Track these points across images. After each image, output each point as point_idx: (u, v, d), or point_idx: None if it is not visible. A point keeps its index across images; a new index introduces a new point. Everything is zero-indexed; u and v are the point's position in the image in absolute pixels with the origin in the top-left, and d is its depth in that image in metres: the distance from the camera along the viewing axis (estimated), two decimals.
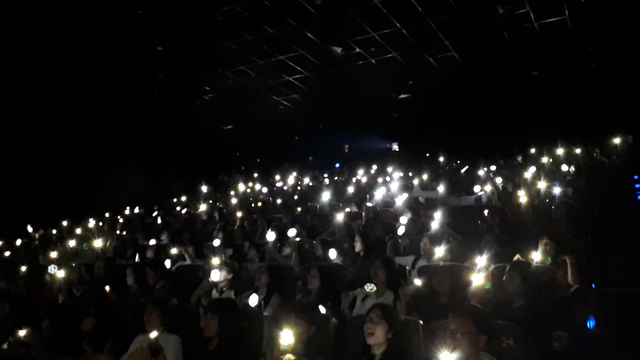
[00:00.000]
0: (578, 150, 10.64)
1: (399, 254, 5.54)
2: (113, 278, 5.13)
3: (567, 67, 11.87)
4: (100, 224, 10.35)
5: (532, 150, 11.76)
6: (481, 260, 4.11)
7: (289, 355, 2.69)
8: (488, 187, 8.13)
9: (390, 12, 9.28)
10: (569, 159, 9.97)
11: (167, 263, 5.73)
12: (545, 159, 10.11)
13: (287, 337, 2.69)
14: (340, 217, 6.94)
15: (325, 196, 9.13)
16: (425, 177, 10.96)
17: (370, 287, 3.94)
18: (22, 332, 3.57)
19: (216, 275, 4.55)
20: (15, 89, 11.02)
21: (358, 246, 5.39)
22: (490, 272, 4.10)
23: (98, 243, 7.65)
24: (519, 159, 11.70)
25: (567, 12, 9.40)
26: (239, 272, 4.95)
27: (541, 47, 10.96)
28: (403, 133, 16.14)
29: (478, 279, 3.61)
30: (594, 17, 9.60)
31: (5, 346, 3.64)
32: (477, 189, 8.76)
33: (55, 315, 3.83)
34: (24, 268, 6.18)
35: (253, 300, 4.19)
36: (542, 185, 7.21)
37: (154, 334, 2.94)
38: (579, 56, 11.48)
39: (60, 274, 5.52)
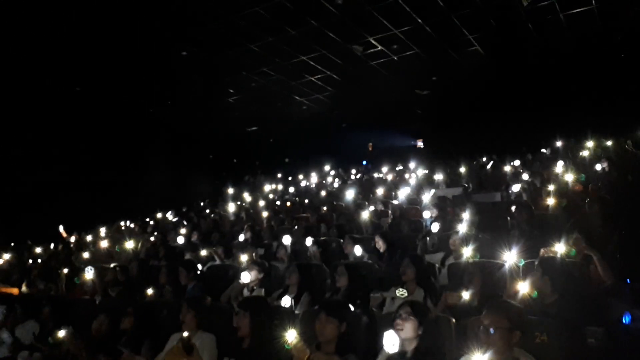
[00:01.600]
0: (609, 143, 10.37)
1: (427, 251, 5.53)
2: (147, 278, 5.26)
3: (595, 57, 11.58)
4: (132, 226, 10.61)
5: (560, 144, 11.52)
6: (509, 255, 4.05)
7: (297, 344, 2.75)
8: (516, 184, 8.02)
9: (411, 9, 9.22)
10: (600, 151, 9.73)
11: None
12: (575, 152, 9.90)
13: (291, 335, 2.76)
14: (365, 215, 6.95)
15: (350, 195, 9.14)
16: (449, 173, 10.86)
17: (401, 292, 3.94)
18: (61, 333, 3.71)
19: (246, 277, 4.61)
20: (46, 96, 11.42)
21: (380, 245, 5.44)
22: (521, 268, 4.05)
23: (130, 245, 7.88)
24: (547, 152, 11.48)
25: (593, 1, 9.19)
26: (270, 271, 5.03)
27: (567, 38, 10.73)
28: (427, 130, 16.02)
29: (524, 287, 3.42)
30: (621, 6, 9.35)
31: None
32: (504, 184, 8.65)
33: (95, 316, 3.94)
34: (65, 270, 6.38)
35: (286, 301, 4.26)
36: (569, 177, 7.07)
37: (186, 333, 3.02)
38: (607, 46, 11.19)
39: (90, 275, 5.69)
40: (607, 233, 4.61)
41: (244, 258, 5.54)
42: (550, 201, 6.10)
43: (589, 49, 11.36)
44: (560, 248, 4.07)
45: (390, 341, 2.47)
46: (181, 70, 11.63)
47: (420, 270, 4.12)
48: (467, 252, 4.59)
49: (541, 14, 9.62)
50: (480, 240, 4.91)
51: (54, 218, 10.65)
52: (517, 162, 10.76)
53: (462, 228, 5.48)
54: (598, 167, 8.26)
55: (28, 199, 11.40)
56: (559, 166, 8.54)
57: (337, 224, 7.26)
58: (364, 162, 15.40)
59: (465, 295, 3.74)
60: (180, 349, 3.06)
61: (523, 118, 12.68)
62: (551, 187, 6.50)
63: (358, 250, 5.25)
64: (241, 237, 6.69)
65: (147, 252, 7.52)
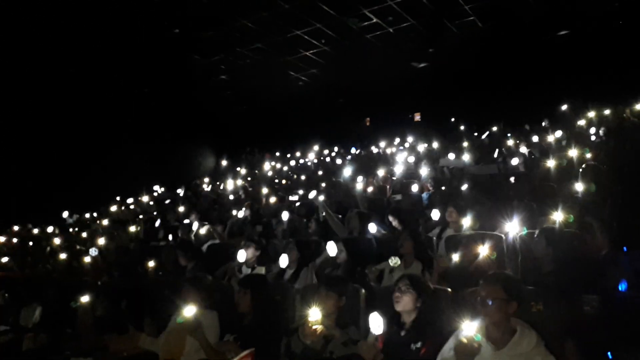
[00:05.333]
0: (607, 112, 10.32)
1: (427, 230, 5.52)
2: (147, 259, 5.29)
3: (593, 26, 11.41)
4: (132, 207, 10.63)
5: (559, 112, 11.45)
6: (511, 226, 4.09)
7: (317, 326, 2.77)
8: (514, 155, 8.01)
9: None
10: (598, 120, 9.69)
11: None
12: (573, 122, 9.86)
13: (315, 313, 2.77)
14: (359, 187, 6.97)
15: (347, 171, 9.12)
16: (446, 146, 10.85)
17: (394, 261, 3.98)
18: (84, 298, 3.81)
19: (242, 256, 4.60)
20: (34, 78, 11.27)
21: (397, 224, 5.37)
22: (520, 237, 4.09)
23: (127, 224, 7.88)
24: (545, 123, 11.43)
25: None
26: (266, 248, 5.06)
27: (564, 6, 10.55)
28: (425, 103, 15.88)
29: (484, 250, 3.62)
30: None
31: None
32: (500, 155, 8.64)
33: (98, 296, 4.00)
34: (63, 255, 6.42)
35: (283, 261, 4.31)
36: (573, 153, 7.02)
37: (190, 311, 3.06)
38: (605, 13, 11.01)
39: (93, 256, 5.73)
40: (600, 201, 4.63)
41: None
42: (551, 163, 6.12)
43: (587, 17, 11.19)
44: (558, 216, 4.11)
45: (376, 323, 2.52)
46: (175, 49, 11.46)
47: (418, 244, 4.15)
48: (467, 222, 4.62)
49: None
50: (478, 210, 4.92)
51: (53, 201, 10.66)
52: (515, 133, 10.72)
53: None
54: (592, 134, 8.24)
55: (26, 183, 11.37)
56: (558, 136, 8.51)
57: (336, 200, 7.27)
58: (352, 148, 15.16)
59: (455, 257, 3.84)
60: (184, 326, 3.10)
61: (521, 89, 12.55)
62: (551, 159, 6.49)
63: (373, 228, 5.10)
64: (240, 215, 6.71)
65: (147, 233, 7.56)
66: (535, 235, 3.71)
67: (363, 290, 3.45)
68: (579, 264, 3.44)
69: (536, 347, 2.43)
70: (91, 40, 10.28)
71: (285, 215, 6.11)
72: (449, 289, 3.24)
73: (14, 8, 8.53)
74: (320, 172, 11.02)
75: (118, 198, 11.67)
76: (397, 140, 13.93)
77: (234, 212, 7.49)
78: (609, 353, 2.70)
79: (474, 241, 3.95)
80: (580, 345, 2.64)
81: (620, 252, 3.79)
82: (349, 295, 3.21)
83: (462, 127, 13.22)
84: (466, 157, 8.94)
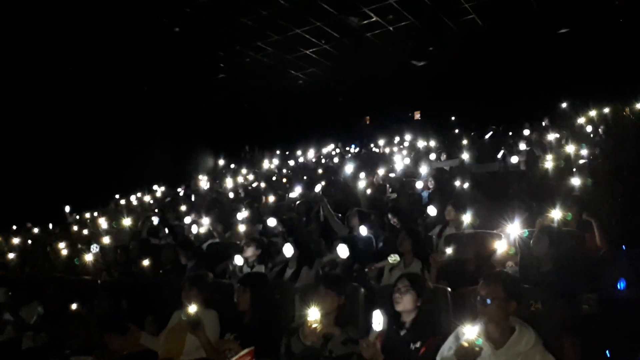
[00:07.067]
0: (606, 110, 10.31)
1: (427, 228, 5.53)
2: (148, 258, 5.30)
3: (594, 24, 11.40)
4: (134, 203, 10.63)
5: (559, 110, 11.43)
6: (512, 227, 4.09)
7: (316, 325, 2.77)
8: (514, 154, 8.01)
9: None
10: (598, 119, 9.68)
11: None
12: (573, 121, 9.85)
13: (314, 313, 2.77)
14: (362, 185, 6.96)
15: (349, 169, 9.12)
16: (446, 145, 10.85)
17: (393, 259, 3.97)
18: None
19: (239, 260, 4.57)
20: (38, 76, 11.27)
21: (395, 222, 5.38)
22: (519, 236, 4.09)
23: (127, 222, 7.86)
24: (545, 122, 11.43)
25: None
26: (268, 247, 5.06)
27: (566, 5, 10.54)
28: (425, 101, 15.88)
29: (502, 245, 3.64)
30: None
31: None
32: (501, 154, 8.64)
33: (98, 295, 4.00)
34: (64, 251, 6.43)
35: (288, 250, 4.38)
36: (570, 149, 7.04)
37: (193, 309, 3.07)
38: (606, 12, 11.00)
39: (94, 253, 5.74)
40: (598, 199, 4.64)
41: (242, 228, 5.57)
42: (549, 164, 6.12)
43: (588, 16, 11.18)
44: (556, 214, 4.13)
45: (378, 320, 2.52)
46: (174, 47, 11.46)
47: (417, 242, 4.15)
48: (467, 219, 4.62)
49: None
50: (477, 209, 4.93)
51: (52, 199, 10.64)
52: (515, 132, 10.72)
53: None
54: (589, 128, 8.21)
55: (26, 181, 11.37)
56: (557, 135, 8.51)
57: (335, 198, 7.27)
58: (353, 145, 15.15)
59: (449, 250, 3.90)
60: (185, 325, 3.12)
61: (521, 88, 12.56)
62: (549, 156, 6.50)
63: (363, 231, 5.10)
64: (240, 216, 6.70)
65: (149, 231, 7.55)
66: (535, 234, 3.71)
67: (362, 289, 3.45)
68: (577, 263, 3.45)
69: (535, 346, 2.43)
70: (90, 39, 10.28)
71: (271, 222, 5.93)
72: (449, 288, 3.25)
73: (14, 8, 8.54)
74: (320, 171, 11.01)
75: (117, 196, 11.67)
76: (397, 138, 13.92)
77: (234, 210, 7.48)
78: (607, 351, 2.71)
79: (473, 239, 3.97)
80: (579, 344, 2.64)
81: (619, 251, 3.80)
82: (348, 294, 3.21)
83: (457, 128, 13.20)
84: (465, 156, 8.93)
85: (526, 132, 10.56)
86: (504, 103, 12.56)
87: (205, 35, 11.06)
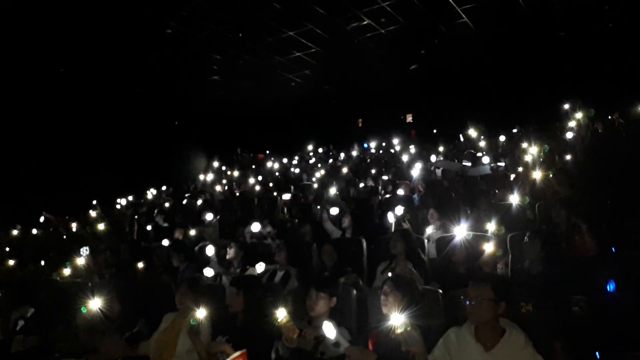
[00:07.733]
0: (593, 114, 10.17)
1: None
2: (139, 260, 5.27)
3: (585, 29, 11.50)
4: (118, 207, 10.54)
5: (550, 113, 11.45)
6: (491, 226, 4.24)
7: (288, 324, 2.84)
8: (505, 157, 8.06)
9: None
10: (586, 123, 9.67)
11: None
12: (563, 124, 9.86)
13: (281, 313, 2.84)
14: (332, 191, 7.08)
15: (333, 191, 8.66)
16: (440, 148, 10.90)
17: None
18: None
19: (210, 250, 4.75)
20: (29, 79, 11.18)
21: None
22: (509, 239, 4.13)
23: (101, 226, 7.72)
24: (536, 126, 11.45)
25: None
26: (249, 249, 5.07)
27: (557, 9, 10.64)
28: (417, 104, 15.95)
29: (489, 247, 3.70)
30: None
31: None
32: (486, 160, 8.70)
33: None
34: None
35: (260, 268, 4.41)
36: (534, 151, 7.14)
37: (202, 314, 3.06)
38: (597, 17, 11.11)
39: (84, 256, 5.69)
40: (581, 202, 4.70)
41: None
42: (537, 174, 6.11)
43: (579, 21, 11.28)
44: (514, 199, 4.54)
45: (328, 331, 2.59)
46: (166, 49, 11.42)
47: (409, 245, 4.18)
48: (456, 223, 4.65)
49: None
50: (465, 212, 5.01)
51: (41, 203, 10.52)
52: (503, 138, 10.81)
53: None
54: (569, 135, 8.23)
55: (16, 185, 11.25)
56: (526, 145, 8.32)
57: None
58: (365, 145, 15.15)
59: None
60: (190, 329, 3.11)
61: (512, 92, 12.65)
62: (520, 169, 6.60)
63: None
64: (209, 217, 6.66)
65: (138, 234, 7.51)
66: (527, 237, 3.74)
67: (354, 291, 3.46)
68: (567, 265, 3.48)
69: (525, 348, 2.45)
70: (83, 40, 10.21)
71: (255, 227, 5.83)
72: (440, 290, 3.26)
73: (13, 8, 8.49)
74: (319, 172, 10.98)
75: (109, 199, 11.55)
76: (393, 140, 13.93)
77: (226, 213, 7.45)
78: (597, 353, 2.74)
79: (463, 242, 4.02)
80: (569, 346, 2.66)
81: (608, 253, 3.84)
82: (340, 295, 3.22)
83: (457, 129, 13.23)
84: (486, 159, 8.97)
85: (502, 138, 10.67)
86: (496, 106, 12.63)
87: (197, 38, 11.02)
